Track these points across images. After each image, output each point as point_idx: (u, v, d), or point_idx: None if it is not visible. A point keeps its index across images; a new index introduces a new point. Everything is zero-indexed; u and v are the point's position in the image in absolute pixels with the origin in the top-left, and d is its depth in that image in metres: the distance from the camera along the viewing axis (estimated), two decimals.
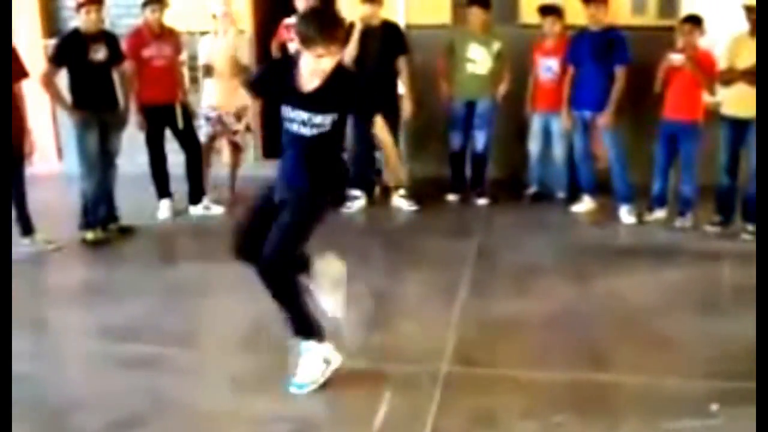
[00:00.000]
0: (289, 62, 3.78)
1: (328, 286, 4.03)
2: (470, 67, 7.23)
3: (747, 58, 6.04)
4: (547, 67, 7.25)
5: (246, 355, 4.27)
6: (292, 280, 3.82)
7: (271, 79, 3.89)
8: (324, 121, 3.68)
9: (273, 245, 3.68)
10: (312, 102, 3.66)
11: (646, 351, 4.18)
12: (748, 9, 6.03)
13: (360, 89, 3.87)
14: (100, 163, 6.25)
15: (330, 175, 3.88)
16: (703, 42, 6.46)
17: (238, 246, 3.89)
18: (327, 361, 3.82)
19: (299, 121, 3.70)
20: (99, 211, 6.32)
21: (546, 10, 7.24)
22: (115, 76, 6.35)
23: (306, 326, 3.83)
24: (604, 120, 6.72)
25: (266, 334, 4.48)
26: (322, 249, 5.99)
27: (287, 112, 3.73)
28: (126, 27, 7.25)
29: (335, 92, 3.66)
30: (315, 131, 3.70)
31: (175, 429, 3.46)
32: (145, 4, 6.69)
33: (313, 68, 3.57)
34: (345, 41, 3.56)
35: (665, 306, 4.86)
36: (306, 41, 3.51)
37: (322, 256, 4.03)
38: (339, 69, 3.68)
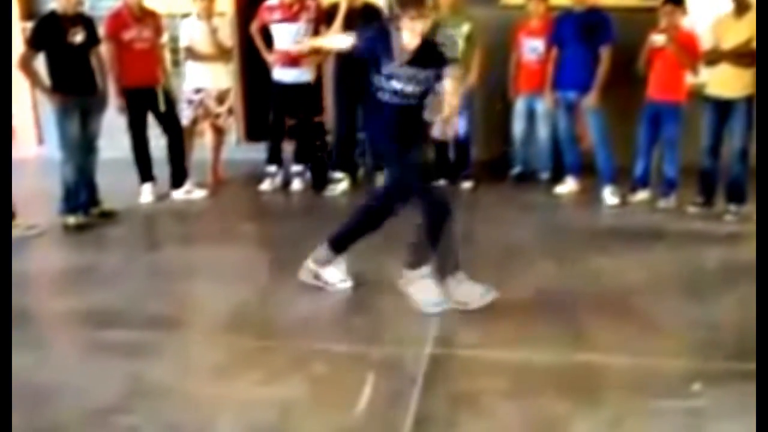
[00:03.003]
0: (388, 28, 4.19)
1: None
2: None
3: (731, 39, 6.05)
4: (532, 47, 7.24)
5: (230, 339, 4.24)
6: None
7: (375, 43, 4.25)
8: (427, 76, 4.18)
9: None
10: (416, 59, 4.13)
11: (630, 331, 4.18)
12: None
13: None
14: (81, 147, 6.20)
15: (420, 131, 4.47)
16: (686, 22, 6.46)
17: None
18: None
19: (405, 78, 4.17)
20: (80, 195, 6.28)
21: None
22: (93, 60, 6.27)
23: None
24: (588, 101, 6.72)
25: (250, 317, 4.48)
26: (308, 232, 6.03)
27: (392, 71, 4.17)
28: (106, 10, 7.18)
29: (433, 50, 4.12)
30: (419, 87, 4.22)
31: (159, 414, 3.43)
32: None
33: (410, 31, 4.03)
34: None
35: (648, 287, 4.86)
36: (402, 5, 4.03)
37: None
38: (435, 27, 4.12)
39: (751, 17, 5.99)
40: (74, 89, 6.09)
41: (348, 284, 4.77)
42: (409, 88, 4.21)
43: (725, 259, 5.50)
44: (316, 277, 4.74)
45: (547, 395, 3.52)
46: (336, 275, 4.76)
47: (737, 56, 6.02)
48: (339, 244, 4.73)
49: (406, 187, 4.45)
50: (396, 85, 4.21)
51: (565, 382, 3.65)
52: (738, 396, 3.48)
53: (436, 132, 4.35)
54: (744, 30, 5.98)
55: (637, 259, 5.40)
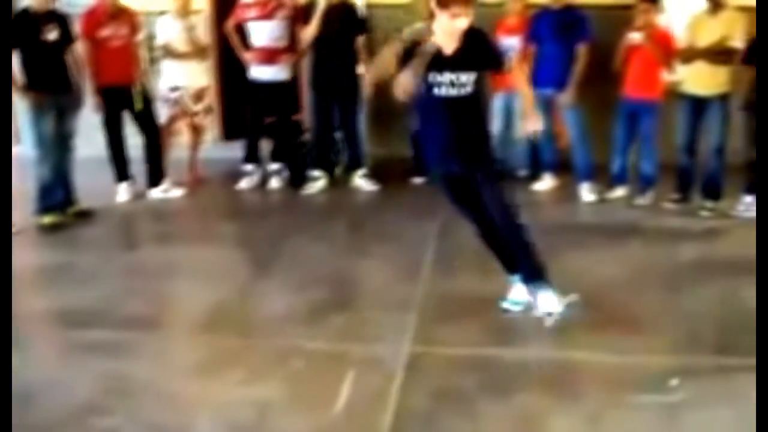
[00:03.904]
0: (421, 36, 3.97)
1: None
2: None
3: (705, 37, 6.09)
4: (510, 45, 7.24)
5: (209, 338, 4.23)
6: (523, 227, 4.21)
7: (413, 48, 3.98)
8: (468, 79, 3.97)
9: (500, 211, 4.12)
10: (456, 62, 3.93)
11: (608, 327, 4.19)
12: None
13: (494, 44, 4.16)
14: (56, 146, 6.15)
15: (485, 132, 4.28)
16: (662, 20, 6.49)
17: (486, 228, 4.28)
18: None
19: (447, 83, 3.96)
20: (56, 194, 6.23)
21: None
22: (67, 57, 6.22)
23: (538, 268, 4.22)
24: (565, 98, 6.74)
25: (229, 316, 4.47)
26: (287, 230, 6.01)
27: (434, 77, 3.95)
28: (81, 7, 7.12)
29: (474, 51, 3.95)
30: (462, 91, 3.98)
31: (138, 414, 3.41)
32: None
33: (450, 29, 3.85)
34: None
35: (626, 283, 4.88)
36: (443, 3, 3.80)
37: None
38: (471, 30, 3.92)
39: (724, 15, 6.04)
40: (49, 87, 6.04)
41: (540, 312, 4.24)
42: (454, 92, 3.99)
43: (702, 255, 5.54)
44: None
45: (526, 392, 3.53)
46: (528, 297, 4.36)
47: (712, 54, 6.06)
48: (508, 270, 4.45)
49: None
50: (438, 91, 3.99)
51: (543, 379, 3.67)
52: (716, 390, 3.52)
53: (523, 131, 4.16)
54: (718, 28, 6.02)
55: (614, 255, 5.42)
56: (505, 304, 4.39)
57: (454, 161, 4.15)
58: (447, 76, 3.95)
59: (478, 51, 3.98)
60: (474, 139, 4.14)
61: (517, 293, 4.39)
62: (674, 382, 3.56)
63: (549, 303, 4.16)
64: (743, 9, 6.10)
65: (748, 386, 3.47)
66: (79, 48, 6.40)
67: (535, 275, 4.22)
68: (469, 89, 3.99)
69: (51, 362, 3.99)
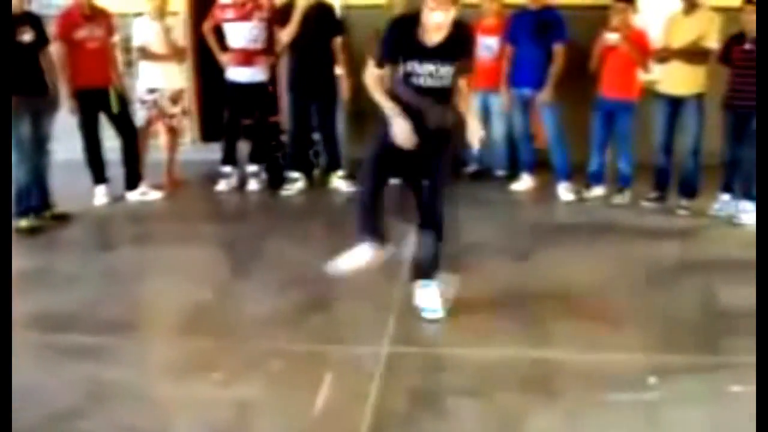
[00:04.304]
0: (412, 20, 3.99)
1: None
2: None
3: (681, 37, 6.13)
4: (487, 45, 7.26)
5: (186, 340, 4.21)
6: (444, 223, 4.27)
7: (398, 39, 4.05)
8: (448, 72, 4.02)
9: (434, 198, 4.25)
10: (437, 54, 3.98)
11: (586, 326, 4.22)
12: None
13: (472, 44, 4.25)
14: (33, 150, 6.09)
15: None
16: (637, 20, 6.53)
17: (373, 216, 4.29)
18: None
19: (426, 74, 4.01)
20: (32, 198, 6.16)
21: None
22: (42, 60, 6.16)
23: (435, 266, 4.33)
24: (542, 96, 6.75)
25: (206, 318, 4.45)
26: (265, 232, 6.00)
27: (414, 66, 4.01)
28: (57, 9, 7.08)
29: (455, 44, 4.00)
30: (439, 83, 4.03)
31: (115, 418, 3.39)
32: None
33: (427, 21, 3.88)
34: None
35: (605, 281, 4.91)
36: None
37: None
38: (458, 24, 3.96)
39: (700, 15, 6.08)
40: (24, 90, 5.96)
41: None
42: (432, 82, 4.04)
43: (679, 253, 5.57)
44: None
45: (504, 391, 3.54)
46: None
47: (688, 54, 6.10)
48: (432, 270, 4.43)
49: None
50: (415, 81, 4.04)
51: (522, 378, 3.68)
52: (693, 388, 3.55)
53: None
54: (693, 28, 6.07)
55: (593, 254, 5.45)
56: (425, 314, 4.35)
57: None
58: (427, 67, 3.99)
59: (457, 45, 4.02)
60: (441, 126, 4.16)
61: (428, 300, 4.36)
62: (652, 380, 3.58)
63: (432, 301, 4.32)
64: (719, 9, 6.15)
65: (724, 384, 3.53)
66: (54, 50, 6.35)
67: (429, 271, 4.34)
68: (445, 82, 4.04)
69: (29, 367, 3.94)
